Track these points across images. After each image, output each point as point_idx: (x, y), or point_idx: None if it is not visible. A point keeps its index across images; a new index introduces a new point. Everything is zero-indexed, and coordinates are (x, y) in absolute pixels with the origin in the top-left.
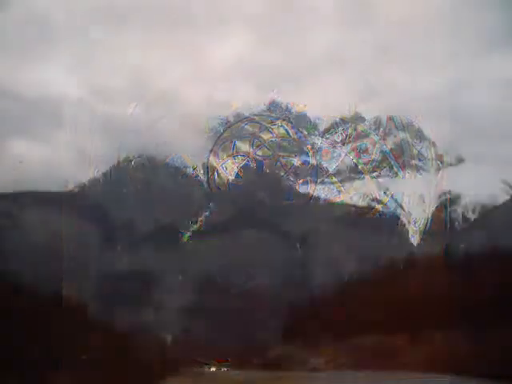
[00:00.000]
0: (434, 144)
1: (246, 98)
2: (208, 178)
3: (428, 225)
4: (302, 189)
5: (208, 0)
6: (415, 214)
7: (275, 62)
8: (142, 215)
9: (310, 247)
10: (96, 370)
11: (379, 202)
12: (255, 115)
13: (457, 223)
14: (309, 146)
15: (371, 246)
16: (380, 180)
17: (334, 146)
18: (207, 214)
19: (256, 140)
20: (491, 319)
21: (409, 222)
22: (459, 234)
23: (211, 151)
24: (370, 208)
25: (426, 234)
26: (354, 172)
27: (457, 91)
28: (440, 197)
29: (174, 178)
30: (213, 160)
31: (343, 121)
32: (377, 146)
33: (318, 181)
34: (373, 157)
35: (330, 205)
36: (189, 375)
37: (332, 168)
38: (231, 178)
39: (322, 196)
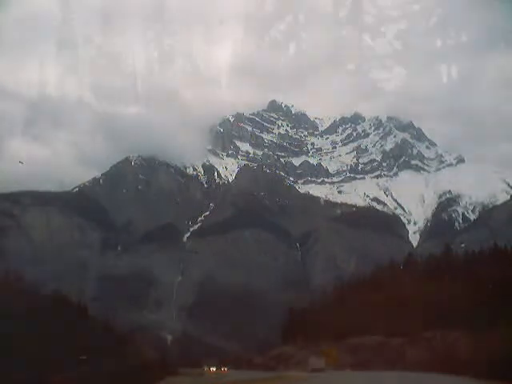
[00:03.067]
0: (433, 144)
1: (246, 98)
2: (208, 178)
3: (428, 225)
4: (302, 189)
5: (208, 0)
6: (415, 214)
7: (275, 62)
8: (141, 215)
9: (310, 247)
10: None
11: (379, 201)
12: (255, 115)
13: (457, 223)
14: (309, 146)
15: (371, 245)
16: (380, 180)
17: (334, 146)
18: (207, 213)
19: (256, 140)
20: (491, 319)
21: (409, 222)
22: (459, 233)
23: (211, 151)
24: (369, 208)
25: (426, 233)
26: (354, 172)
27: (457, 91)
28: (440, 197)
29: (173, 177)
30: (213, 160)
31: (343, 121)
32: (377, 145)
33: (318, 181)
34: (373, 157)
35: (330, 205)
36: (189, 375)
37: (332, 168)
38: (231, 177)
39: (322, 196)
